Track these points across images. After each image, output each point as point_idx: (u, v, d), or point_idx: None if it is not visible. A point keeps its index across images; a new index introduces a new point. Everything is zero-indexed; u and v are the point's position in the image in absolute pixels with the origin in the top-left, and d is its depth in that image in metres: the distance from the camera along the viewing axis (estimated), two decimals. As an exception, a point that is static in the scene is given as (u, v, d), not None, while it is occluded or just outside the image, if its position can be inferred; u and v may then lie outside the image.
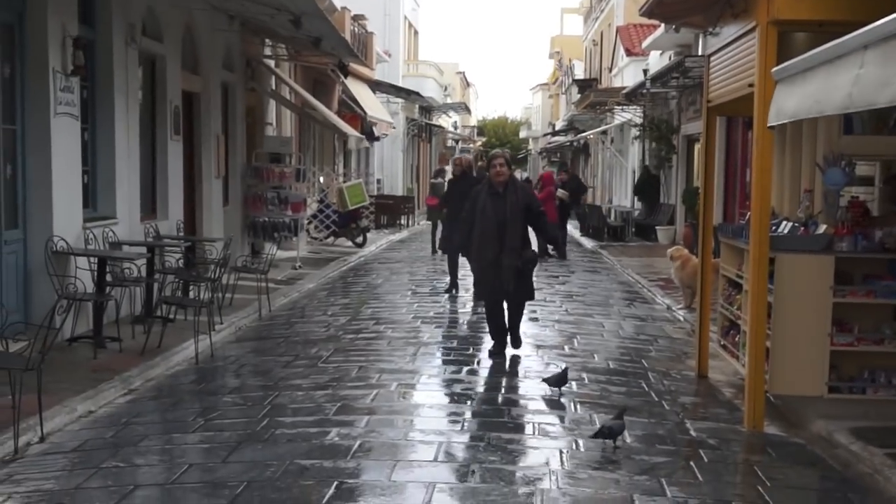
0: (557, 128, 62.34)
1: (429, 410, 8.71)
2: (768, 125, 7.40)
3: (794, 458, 7.42)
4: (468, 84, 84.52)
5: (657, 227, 28.05)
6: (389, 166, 43.31)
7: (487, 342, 11.31)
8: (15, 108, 10.43)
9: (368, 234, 26.13)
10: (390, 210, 33.50)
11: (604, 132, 40.45)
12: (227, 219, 18.11)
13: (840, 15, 7.52)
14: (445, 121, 59.72)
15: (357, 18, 32.62)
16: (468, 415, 8.52)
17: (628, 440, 7.65)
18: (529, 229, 11.07)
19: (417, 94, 40.54)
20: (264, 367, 10.40)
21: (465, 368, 10.33)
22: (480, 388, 9.58)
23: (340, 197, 24.56)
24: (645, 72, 28.85)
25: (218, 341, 11.38)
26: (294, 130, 24.42)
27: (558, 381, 9.10)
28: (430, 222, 23.84)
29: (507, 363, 10.70)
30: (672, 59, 26.01)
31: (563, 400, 8.98)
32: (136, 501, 6.18)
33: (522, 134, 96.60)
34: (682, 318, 14.07)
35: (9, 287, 10.27)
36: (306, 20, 14.74)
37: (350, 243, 25.00)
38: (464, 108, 60.61)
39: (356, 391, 9.14)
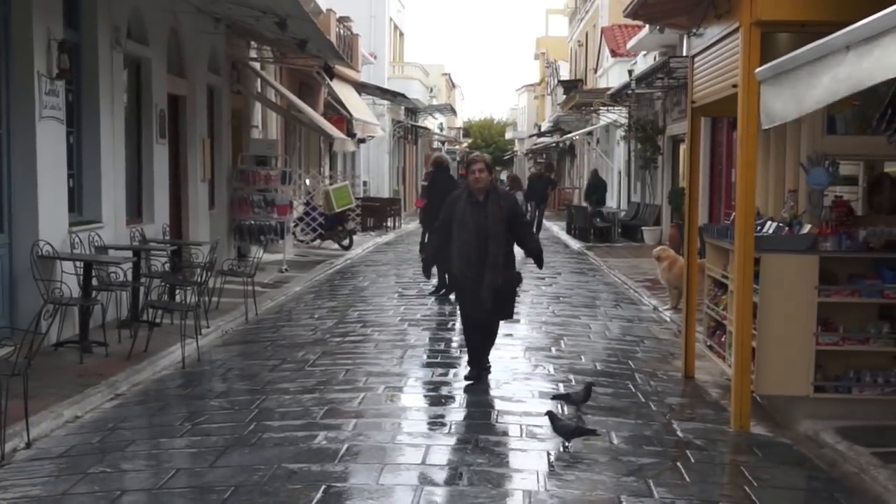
0: (543, 129, 62.41)
1: (416, 413, 8.72)
2: (763, 128, 7.42)
3: (780, 458, 7.44)
4: (454, 85, 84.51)
5: (643, 228, 28.10)
6: (375, 168, 43.30)
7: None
8: (0, 111, 10.40)
9: (355, 237, 26.10)
10: (377, 212, 33.47)
11: (589, 133, 40.51)
12: (213, 222, 18.07)
13: (822, 15, 7.56)
14: (431, 122, 59.73)
15: (342, 20, 32.60)
16: (456, 417, 8.53)
17: (615, 441, 7.68)
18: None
19: (403, 95, 40.53)
20: (251, 370, 10.39)
21: (452, 371, 10.32)
22: (468, 391, 9.59)
23: (327, 199, 24.54)
24: (630, 72, 28.90)
25: (205, 345, 11.36)
26: (280, 133, 24.39)
27: (585, 396, 8.67)
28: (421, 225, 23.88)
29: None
30: (657, 59, 26.06)
31: (549, 401, 8.99)
32: (124, 507, 6.17)
33: (508, 135, 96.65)
34: (668, 319, 14.10)
35: (-6, 292, 10.24)
36: (292, 23, 14.74)
37: (336, 246, 24.98)
38: (449, 110, 60.65)
39: (343, 394, 9.14)
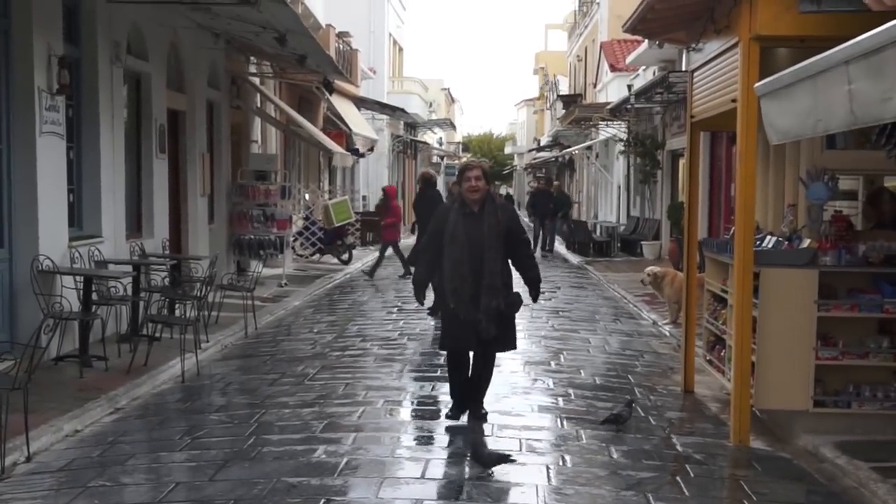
0: (542, 143, 62.52)
1: (415, 427, 8.71)
2: (771, 144, 7.44)
3: (780, 472, 7.44)
4: (453, 100, 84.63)
5: (643, 243, 28.12)
6: (375, 183, 43.32)
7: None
8: (0, 127, 10.42)
9: (354, 251, 26.13)
10: (376, 227, 33.45)
11: (588, 147, 40.56)
12: (213, 237, 18.10)
13: (821, 31, 7.58)
14: (430, 137, 59.79)
15: (342, 36, 32.67)
16: (456, 431, 8.52)
17: (615, 455, 7.68)
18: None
19: (402, 110, 40.58)
20: (251, 385, 10.38)
21: (452, 385, 10.30)
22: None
23: (326, 214, 24.55)
24: (629, 87, 28.97)
25: (204, 359, 11.36)
26: (279, 148, 24.43)
27: (629, 414, 8.64)
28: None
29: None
30: (656, 74, 26.12)
31: (549, 416, 9.00)
32: (123, 521, 6.17)
33: (507, 150, 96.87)
34: (667, 334, 14.11)
35: (-6, 306, 10.25)
36: (291, 38, 14.79)
37: (336, 260, 24.99)
38: (449, 125, 60.69)
39: (343, 408, 9.13)
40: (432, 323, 14.42)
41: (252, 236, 19.35)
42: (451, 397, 8.85)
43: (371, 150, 34.48)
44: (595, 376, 10.96)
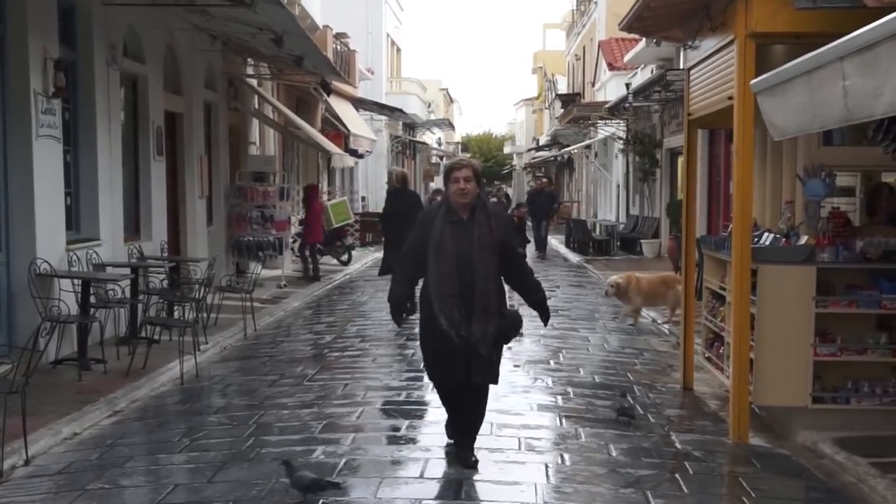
0: (541, 143, 62.53)
1: (415, 427, 8.71)
2: (774, 139, 7.43)
3: (779, 468, 7.44)
4: (452, 100, 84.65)
5: (642, 241, 28.12)
6: (374, 184, 43.33)
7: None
8: (-4, 130, 10.43)
9: (353, 252, 26.12)
10: (375, 228, 33.46)
11: (587, 146, 40.57)
12: (212, 238, 18.09)
13: (817, 27, 7.57)
14: (429, 137, 59.84)
15: (339, 37, 32.67)
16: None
17: (614, 453, 7.67)
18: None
19: (401, 110, 40.59)
20: (250, 386, 10.38)
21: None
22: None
23: (325, 215, 24.54)
24: (627, 86, 28.97)
25: (203, 361, 11.36)
26: (277, 149, 24.42)
27: (630, 404, 8.93)
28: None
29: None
30: (654, 72, 26.12)
31: (548, 414, 9.00)
32: (122, 523, 6.17)
33: (507, 149, 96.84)
34: (667, 332, 14.11)
35: (-8, 310, 10.25)
36: (288, 39, 14.78)
37: (335, 261, 24.98)
38: (447, 125, 60.74)
39: (342, 409, 9.13)
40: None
41: (251, 238, 19.36)
42: (449, 435, 7.71)
43: (368, 153, 34.51)
44: (594, 374, 10.95)
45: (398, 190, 16.22)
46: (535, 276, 7.66)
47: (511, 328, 7.32)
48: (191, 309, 11.57)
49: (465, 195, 7.16)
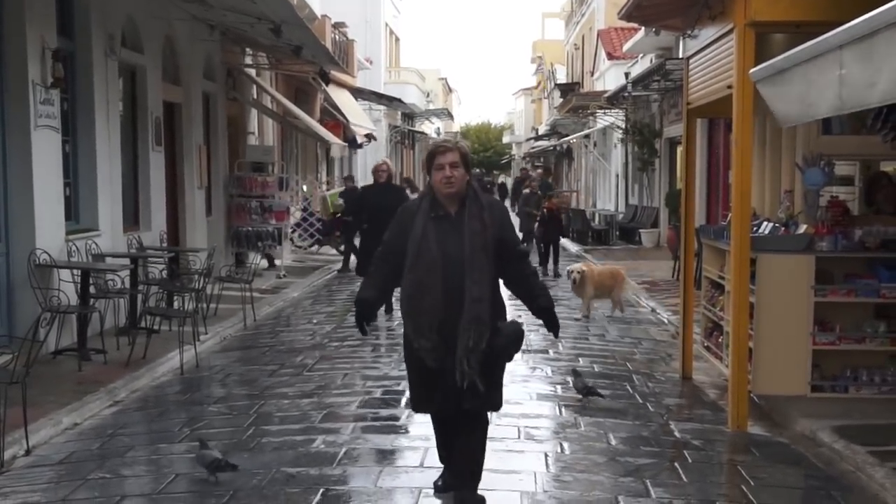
0: (540, 132, 62.49)
1: (415, 416, 8.71)
2: (783, 127, 7.42)
3: (777, 457, 7.45)
4: (450, 90, 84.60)
5: (641, 231, 28.13)
6: (370, 171, 43.23)
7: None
8: (-5, 121, 10.43)
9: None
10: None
11: (587, 136, 40.55)
12: (211, 229, 18.09)
13: (817, 16, 7.57)
14: (428, 127, 59.79)
15: (338, 26, 32.64)
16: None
17: (613, 442, 7.69)
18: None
19: (399, 100, 40.57)
20: (250, 376, 10.39)
21: (451, 374, 10.31)
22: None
23: (324, 205, 24.56)
24: (626, 75, 28.95)
25: (203, 351, 11.37)
26: (276, 139, 24.42)
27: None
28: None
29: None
30: (653, 62, 26.11)
31: (547, 403, 9.02)
32: (123, 512, 6.19)
33: (506, 139, 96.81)
34: (666, 321, 14.12)
35: (-8, 301, 10.26)
36: (286, 29, 14.75)
37: (334, 251, 24.98)
38: (446, 114, 60.75)
39: (342, 398, 9.15)
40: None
41: (250, 228, 19.36)
42: (443, 461, 6.48)
43: (368, 138, 34.44)
44: (594, 364, 10.97)
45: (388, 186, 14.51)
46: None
47: (510, 344, 5.90)
48: (190, 299, 11.57)
49: (451, 184, 5.85)
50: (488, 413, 6.34)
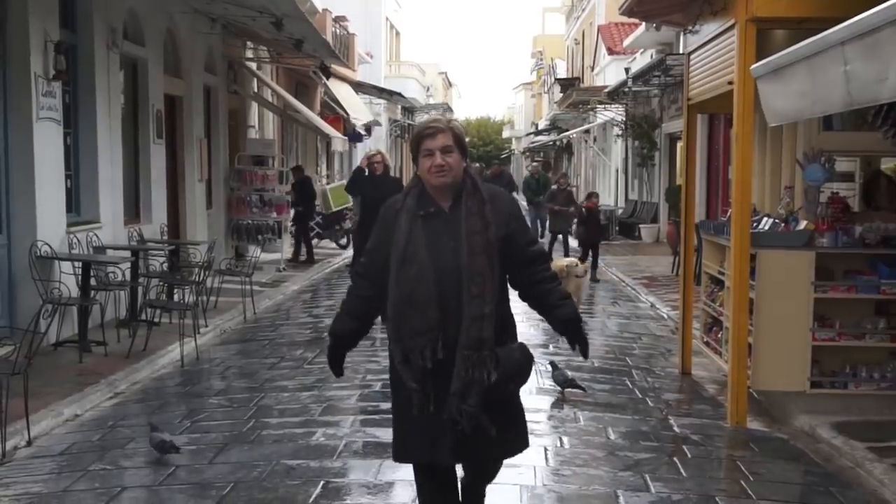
0: (540, 127, 62.46)
1: (414, 410, 8.73)
2: (770, 125, 7.44)
3: (776, 452, 7.47)
4: (450, 84, 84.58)
5: (641, 226, 28.14)
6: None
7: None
8: (-3, 113, 10.43)
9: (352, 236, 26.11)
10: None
11: (586, 131, 40.55)
12: (211, 222, 18.11)
13: (818, 11, 7.58)
14: (428, 121, 59.69)
15: (338, 20, 32.63)
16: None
17: (612, 437, 7.71)
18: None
19: (400, 94, 40.56)
20: (250, 369, 10.41)
21: (451, 368, 10.32)
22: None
23: (324, 199, 24.55)
24: (627, 70, 28.95)
25: (203, 344, 11.39)
26: (277, 133, 24.42)
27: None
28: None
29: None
30: (654, 57, 26.11)
31: (547, 398, 9.04)
32: (124, 503, 6.21)
33: (505, 134, 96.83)
34: (665, 316, 14.14)
35: (-7, 292, 10.27)
36: (288, 22, 14.77)
37: (334, 245, 24.99)
38: (446, 109, 60.69)
39: (342, 392, 9.15)
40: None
41: (250, 221, 19.38)
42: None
43: (368, 130, 34.38)
44: (593, 358, 10.95)
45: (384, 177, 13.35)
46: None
47: (517, 371, 4.81)
48: (191, 292, 11.60)
49: (443, 174, 4.67)
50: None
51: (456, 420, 4.56)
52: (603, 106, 32.47)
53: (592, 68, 42.25)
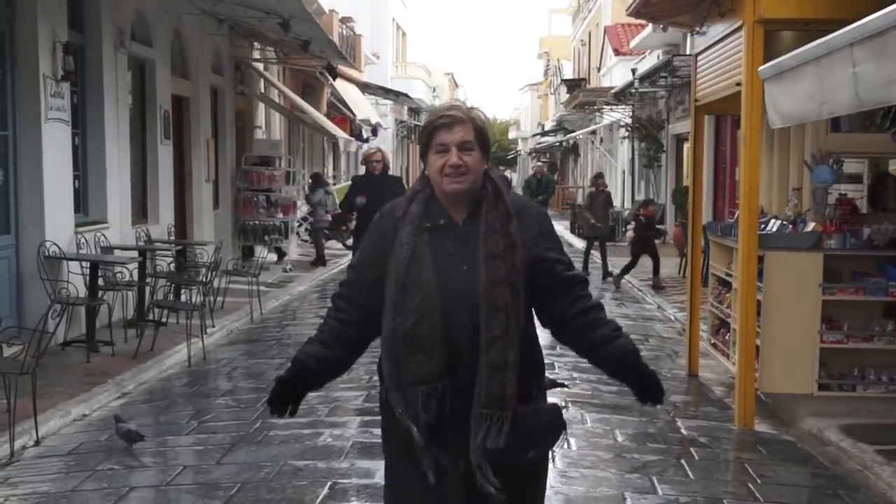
0: (547, 128, 62.43)
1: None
2: (771, 128, 7.44)
3: (784, 455, 7.47)
4: (457, 85, 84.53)
5: (647, 227, 28.06)
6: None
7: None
8: (6, 113, 10.44)
9: (359, 236, 26.10)
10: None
11: (593, 132, 40.52)
12: (218, 222, 18.12)
13: (826, 13, 7.57)
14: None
15: (345, 21, 32.65)
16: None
17: (620, 439, 7.71)
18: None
19: (406, 95, 40.55)
20: (257, 369, 10.43)
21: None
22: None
23: (331, 199, 24.53)
24: (633, 71, 28.93)
25: (210, 344, 11.41)
26: (283, 133, 24.44)
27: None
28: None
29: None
30: (660, 58, 26.08)
31: (553, 399, 9.02)
32: (132, 503, 6.22)
33: (512, 135, 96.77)
34: (672, 318, 14.13)
35: (2, 292, 10.28)
36: (295, 23, 14.78)
37: (341, 245, 24.98)
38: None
39: (349, 392, 9.15)
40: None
41: (257, 222, 19.40)
42: None
43: (375, 132, 34.40)
44: (600, 360, 10.96)
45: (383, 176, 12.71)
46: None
47: (546, 433, 3.73)
48: (198, 292, 11.61)
49: (460, 178, 3.61)
50: None
51: (474, 487, 3.51)
52: (609, 107, 32.44)
53: (599, 69, 42.20)
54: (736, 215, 9.12)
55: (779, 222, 9.24)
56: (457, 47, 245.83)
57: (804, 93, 5.98)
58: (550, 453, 3.96)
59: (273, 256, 19.42)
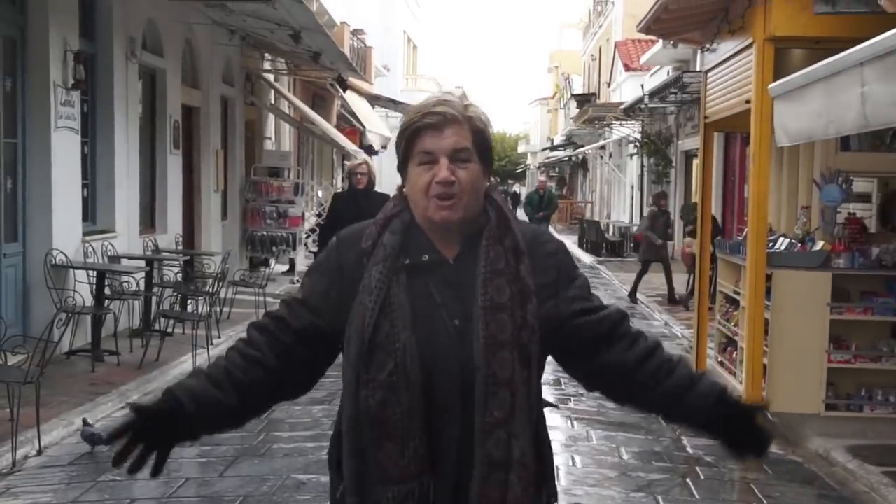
0: (556, 142, 62.44)
1: (426, 425, 8.69)
2: (778, 146, 7.43)
3: (790, 475, 7.42)
4: (467, 98, 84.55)
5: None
6: (388, 181, 43.23)
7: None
8: (16, 121, 10.46)
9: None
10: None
11: (602, 147, 40.51)
12: (226, 233, 18.13)
13: (836, 32, 7.57)
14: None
15: (356, 33, 32.68)
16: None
17: (625, 457, 7.67)
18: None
19: (416, 108, 40.52)
20: (262, 381, 10.37)
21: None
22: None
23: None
24: (643, 87, 28.91)
25: (216, 355, 11.36)
26: (293, 144, 24.45)
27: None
28: None
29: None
30: (670, 74, 26.07)
31: (558, 416, 9.00)
32: (133, 516, 6.20)
33: (521, 149, 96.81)
34: (679, 335, 14.08)
35: (7, 300, 10.28)
36: (306, 35, 14.80)
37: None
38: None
39: (354, 406, 9.12)
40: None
41: (265, 233, 19.39)
42: None
43: (384, 146, 34.44)
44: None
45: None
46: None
47: None
48: (204, 303, 11.59)
49: (451, 201, 2.61)
50: None
51: None
52: (619, 122, 32.43)
53: (609, 84, 42.21)
54: (744, 233, 9.08)
55: (787, 240, 9.21)
56: (467, 60, 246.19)
57: (812, 111, 5.97)
58: None
59: (280, 267, 19.39)
